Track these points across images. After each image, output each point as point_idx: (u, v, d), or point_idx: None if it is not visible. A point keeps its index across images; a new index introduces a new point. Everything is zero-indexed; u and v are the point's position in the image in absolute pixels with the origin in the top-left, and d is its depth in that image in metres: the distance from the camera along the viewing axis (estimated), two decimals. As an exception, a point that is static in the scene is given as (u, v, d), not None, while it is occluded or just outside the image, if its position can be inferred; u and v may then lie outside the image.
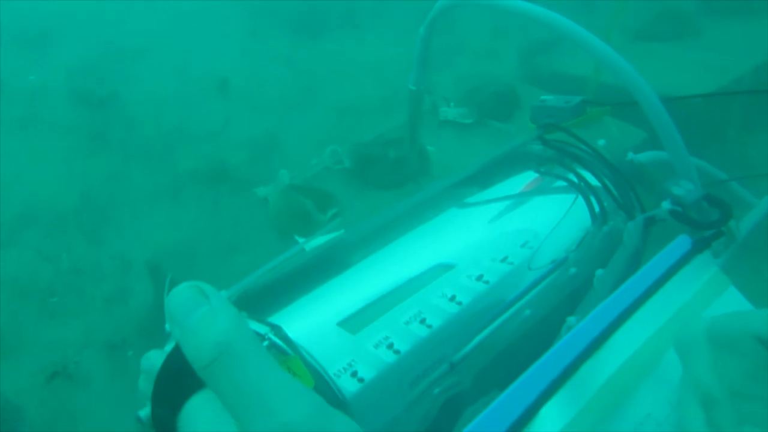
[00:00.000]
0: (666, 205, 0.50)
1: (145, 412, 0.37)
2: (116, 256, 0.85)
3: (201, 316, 0.26)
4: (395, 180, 1.34)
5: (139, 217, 0.99)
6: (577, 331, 0.40)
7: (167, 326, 0.38)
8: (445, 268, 0.47)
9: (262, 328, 0.36)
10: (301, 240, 0.53)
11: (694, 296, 0.43)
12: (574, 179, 0.54)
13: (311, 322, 0.41)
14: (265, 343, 0.34)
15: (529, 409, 0.34)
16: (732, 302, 0.43)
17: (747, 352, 0.33)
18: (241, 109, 1.69)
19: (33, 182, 1.13)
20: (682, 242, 0.46)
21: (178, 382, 0.31)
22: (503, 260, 0.48)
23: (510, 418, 0.34)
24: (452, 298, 0.44)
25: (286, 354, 0.35)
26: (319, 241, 0.46)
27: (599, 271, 0.48)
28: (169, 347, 0.32)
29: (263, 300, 0.41)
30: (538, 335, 0.45)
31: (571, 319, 0.45)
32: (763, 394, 0.32)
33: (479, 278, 0.46)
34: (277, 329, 0.35)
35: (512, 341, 0.45)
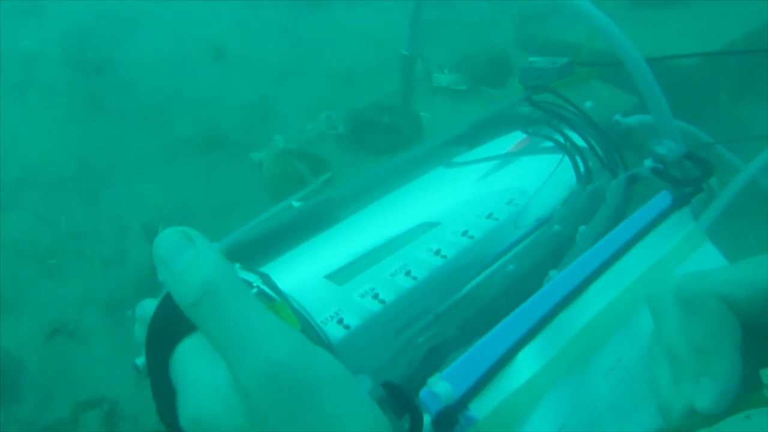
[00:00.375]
0: (648, 162, 0.51)
1: (141, 360, 0.38)
2: (114, 218, 0.86)
3: (187, 258, 0.28)
4: (389, 145, 1.36)
5: (135, 181, 1.00)
6: (556, 282, 0.41)
7: (159, 276, 0.39)
8: (432, 224, 0.49)
9: (250, 277, 0.37)
10: (296, 205, 0.54)
11: (670, 251, 0.44)
12: (561, 140, 0.55)
13: (299, 274, 0.43)
14: (254, 290, 0.36)
15: (507, 353, 0.36)
16: (707, 257, 0.45)
17: (710, 311, 0.34)
18: (236, 75, 1.69)
19: (30, 146, 1.14)
20: (662, 198, 0.47)
21: (169, 327, 0.32)
22: (488, 216, 0.49)
23: (488, 361, 0.35)
24: (437, 252, 0.45)
25: (274, 300, 0.36)
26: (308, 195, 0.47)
27: (582, 228, 0.50)
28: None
29: (253, 253, 0.42)
30: (522, 289, 0.46)
31: (553, 273, 0.46)
32: (724, 352, 0.33)
33: (464, 233, 0.47)
34: (265, 277, 0.37)
35: (496, 294, 0.46)
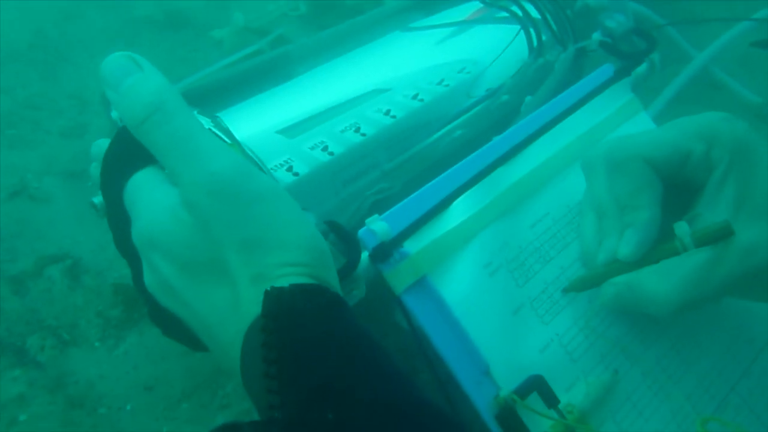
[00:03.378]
0: (597, 36, 0.52)
1: (98, 198, 0.40)
2: (73, 94, 0.84)
3: (134, 80, 0.28)
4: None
5: (95, 58, 0.96)
6: (494, 142, 0.43)
7: (113, 113, 0.40)
8: (384, 88, 0.49)
9: (204, 120, 0.38)
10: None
11: (607, 118, 0.47)
12: (518, 11, 0.55)
13: (251, 125, 0.44)
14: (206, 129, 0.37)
15: (442, 201, 0.39)
16: (640, 124, 0.47)
17: (633, 171, 0.37)
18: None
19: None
20: (605, 70, 0.49)
21: (123, 161, 0.33)
22: (439, 83, 0.50)
23: (424, 207, 0.38)
24: (387, 113, 0.46)
25: (225, 142, 0.37)
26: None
27: (528, 98, 0.51)
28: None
29: (206, 99, 0.43)
30: (467, 153, 0.49)
31: (496, 138, 0.48)
32: (644, 204, 0.37)
33: (414, 97, 0.48)
34: (217, 120, 0.38)
35: (442, 156, 0.48)
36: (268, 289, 0.26)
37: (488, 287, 0.37)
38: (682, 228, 0.34)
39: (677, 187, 0.38)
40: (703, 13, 0.74)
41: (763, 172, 0.35)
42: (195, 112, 0.38)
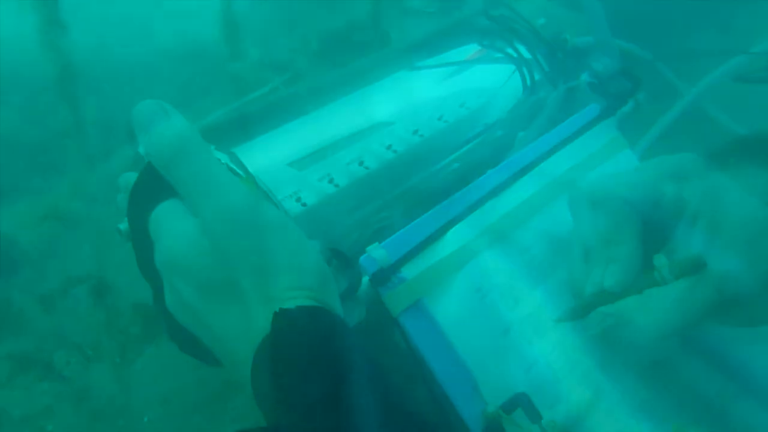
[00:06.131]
0: (585, 77, 0.55)
1: (123, 224, 0.43)
2: (98, 122, 0.89)
3: (162, 125, 0.32)
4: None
5: (118, 88, 1.00)
6: (487, 175, 0.46)
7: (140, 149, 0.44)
8: (388, 123, 0.53)
9: (221, 155, 0.41)
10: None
11: (592, 154, 0.49)
12: (512, 53, 0.59)
13: (263, 159, 0.47)
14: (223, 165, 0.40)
15: (438, 230, 0.41)
16: (624, 161, 0.50)
17: (614, 209, 0.40)
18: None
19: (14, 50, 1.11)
20: (592, 109, 0.52)
21: (148, 192, 0.37)
22: (439, 118, 0.54)
23: (421, 236, 0.41)
24: (389, 147, 0.50)
25: (240, 176, 0.41)
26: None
27: (521, 133, 0.54)
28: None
29: (224, 134, 0.46)
30: (463, 184, 0.51)
31: (490, 171, 0.51)
32: (625, 239, 0.39)
33: (415, 132, 0.52)
34: (233, 155, 0.41)
35: (440, 187, 0.51)
36: (277, 310, 0.29)
37: (479, 310, 0.40)
38: (660, 260, 0.37)
39: (656, 222, 0.40)
40: (695, 47, 0.77)
41: (731, 209, 0.37)
42: (213, 148, 0.42)
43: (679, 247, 0.39)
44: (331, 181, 0.45)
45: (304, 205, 0.43)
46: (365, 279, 0.39)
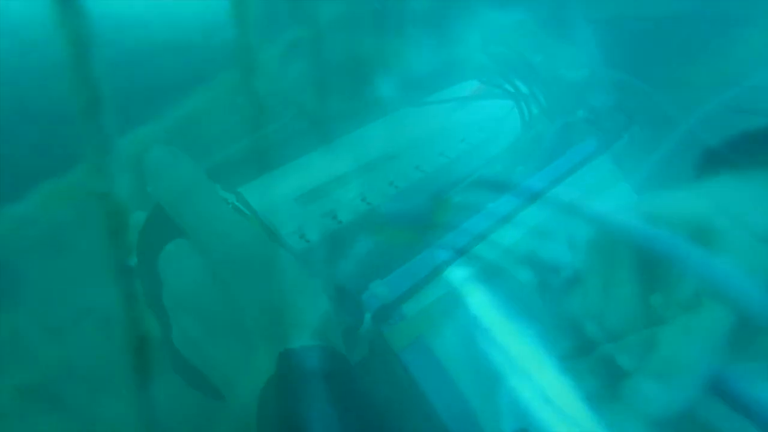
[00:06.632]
0: (581, 113, 0.56)
1: (132, 261, 0.44)
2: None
3: (171, 171, 0.33)
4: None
5: (124, 119, 1.02)
6: (486, 211, 0.47)
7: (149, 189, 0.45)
8: (391, 157, 0.54)
9: (227, 195, 0.43)
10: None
11: (589, 188, 0.51)
12: (511, 89, 0.60)
13: (269, 196, 0.48)
14: (229, 205, 0.41)
15: (437, 268, 0.43)
16: (620, 195, 0.51)
17: (613, 247, 0.40)
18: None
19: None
20: (588, 144, 0.53)
21: (157, 233, 0.38)
22: (440, 154, 0.55)
23: (421, 273, 0.42)
24: (390, 183, 0.51)
25: (246, 215, 0.42)
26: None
27: (519, 168, 0.56)
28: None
29: (231, 171, 0.47)
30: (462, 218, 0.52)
31: (490, 206, 0.52)
32: (623, 280, 0.40)
33: (417, 167, 0.53)
34: (239, 195, 0.42)
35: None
36: (282, 351, 0.30)
37: (480, 346, 0.40)
38: (657, 300, 0.38)
39: (652, 262, 0.41)
40: (693, 79, 0.78)
41: (720, 246, 0.38)
42: (218, 187, 0.43)
43: (676, 286, 0.39)
44: (334, 217, 0.46)
45: (307, 241, 0.44)
46: (367, 316, 0.40)
